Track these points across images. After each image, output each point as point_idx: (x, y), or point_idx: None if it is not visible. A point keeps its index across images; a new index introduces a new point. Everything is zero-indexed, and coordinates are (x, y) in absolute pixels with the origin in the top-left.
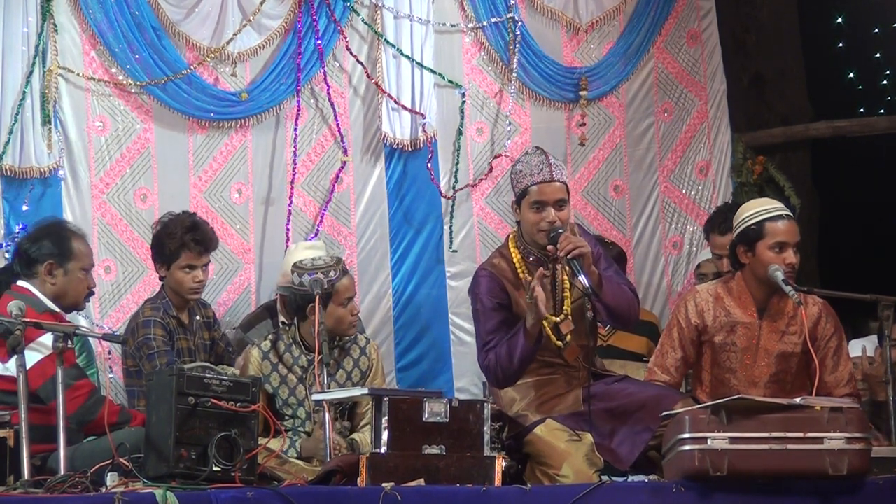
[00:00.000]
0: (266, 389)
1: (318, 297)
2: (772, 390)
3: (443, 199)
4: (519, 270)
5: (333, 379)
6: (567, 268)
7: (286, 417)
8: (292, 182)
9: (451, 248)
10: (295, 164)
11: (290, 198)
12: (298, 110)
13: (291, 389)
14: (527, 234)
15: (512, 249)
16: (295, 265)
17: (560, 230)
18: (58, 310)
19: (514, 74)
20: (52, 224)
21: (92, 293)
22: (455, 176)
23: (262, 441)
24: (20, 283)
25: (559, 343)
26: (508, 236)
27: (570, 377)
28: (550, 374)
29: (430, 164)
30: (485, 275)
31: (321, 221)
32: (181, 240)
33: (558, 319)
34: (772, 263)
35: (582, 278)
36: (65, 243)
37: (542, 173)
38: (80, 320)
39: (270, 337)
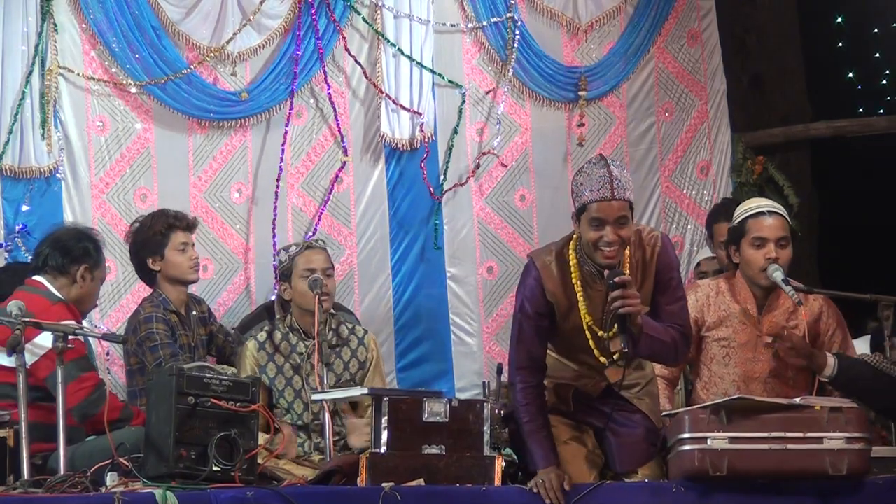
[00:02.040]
0: (263, 381)
1: (317, 296)
2: (772, 385)
3: (443, 200)
4: (573, 275)
5: (331, 369)
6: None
7: (284, 412)
8: (278, 180)
9: (435, 245)
10: (282, 163)
11: (276, 193)
12: (291, 110)
13: (288, 380)
14: (584, 247)
15: (571, 252)
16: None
17: (620, 274)
18: (69, 302)
19: (514, 74)
20: (87, 230)
21: (95, 306)
22: (445, 175)
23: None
24: (35, 277)
25: (603, 360)
26: (573, 235)
27: (589, 382)
28: (575, 371)
29: (423, 164)
30: (533, 276)
31: (319, 220)
32: (166, 222)
33: (607, 336)
34: (755, 260)
35: (620, 340)
36: (100, 251)
37: (603, 190)
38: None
39: (266, 328)
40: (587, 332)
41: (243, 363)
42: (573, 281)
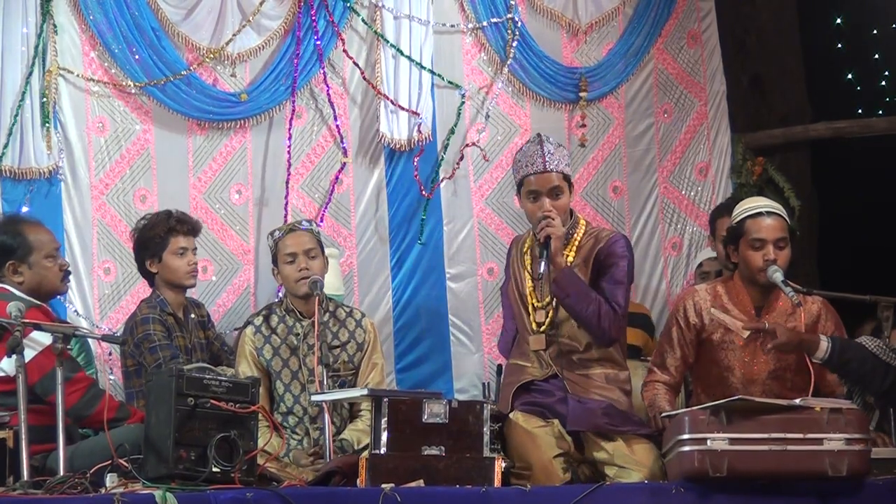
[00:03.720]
0: (260, 363)
1: (317, 297)
2: (771, 387)
3: (443, 200)
4: (525, 246)
5: (328, 351)
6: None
7: (280, 396)
8: (287, 182)
9: (420, 241)
10: (289, 164)
11: (287, 198)
12: (293, 111)
13: (285, 361)
14: (530, 222)
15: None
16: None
17: (548, 216)
18: (40, 303)
19: (514, 75)
20: (1, 223)
21: (69, 273)
22: (437, 171)
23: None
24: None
25: (534, 324)
26: None
27: (537, 370)
28: (523, 363)
29: (416, 162)
30: (513, 239)
31: (321, 222)
32: (166, 225)
33: (541, 304)
34: (753, 261)
35: (542, 263)
36: (18, 238)
37: (536, 164)
38: (80, 321)
39: (263, 312)
40: (527, 298)
41: (242, 348)
42: (524, 251)
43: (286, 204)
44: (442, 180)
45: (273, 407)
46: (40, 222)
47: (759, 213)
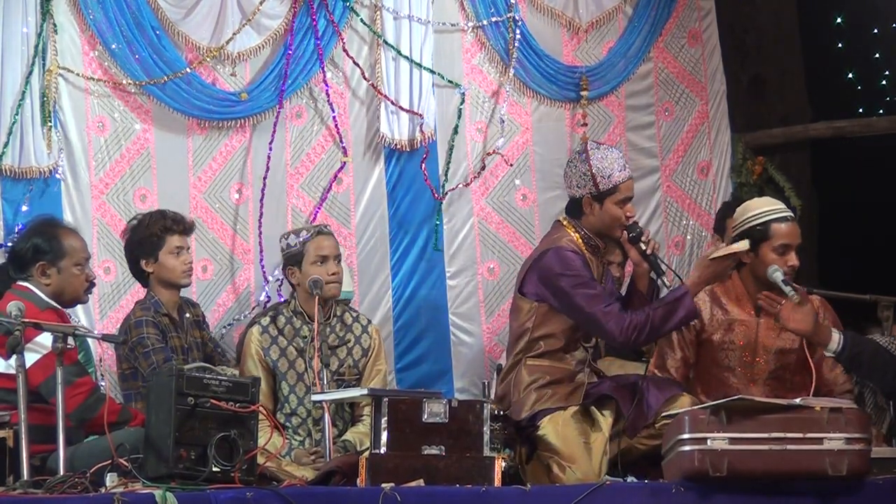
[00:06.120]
0: (266, 363)
1: (317, 297)
2: (771, 387)
3: (443, 199)
4: (584, 251)
5: (334, 353)
6: (646, 265)
7: (285, 397)
8: (265, 177)
9: (436, 247)
10: (268, 164)
11: (262, 191)
12: (279, 109)
13: (291, 362)
14: (600, 227)
15: (572, 234)
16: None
17: (638, 225)
18: (58, 307)
19: (515, 74)
20: (40, 223)
21: (93, 285)
22: (447, 175)
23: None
24: (21, 281)
25: None
26: (560, 222)
27: (575, 374)
28: (563, 365)
29: (424, 165)
30: (573, 250)
31: (315, 218)
32: (162, 224)
33: None
34: (772, 264)
35: (665, 280)
36: (53, 242)
37: (627, 170)
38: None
39: (271, 313)
40: None
41: (248, 347)
42: (586, 255)
43: (262, 198)
44: (457, 186)
45: (277, 407)
46: (76, 230)
47: (784, 218)
